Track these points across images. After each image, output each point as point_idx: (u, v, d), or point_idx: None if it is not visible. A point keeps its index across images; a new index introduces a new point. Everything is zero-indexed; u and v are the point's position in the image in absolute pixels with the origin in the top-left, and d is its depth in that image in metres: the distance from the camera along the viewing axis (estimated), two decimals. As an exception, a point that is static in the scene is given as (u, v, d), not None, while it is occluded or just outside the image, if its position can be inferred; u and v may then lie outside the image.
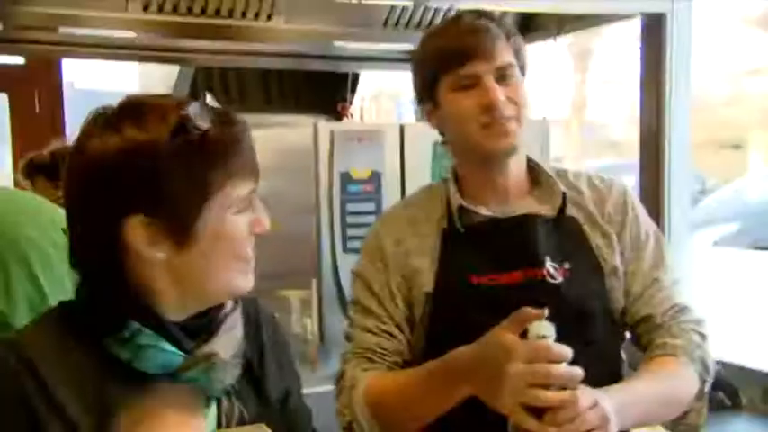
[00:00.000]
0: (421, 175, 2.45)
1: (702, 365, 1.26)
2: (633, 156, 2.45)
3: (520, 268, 1.27)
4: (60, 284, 1.81)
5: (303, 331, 2.43)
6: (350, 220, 2.41)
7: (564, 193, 1.31)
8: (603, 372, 1.26)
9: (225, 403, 0.97)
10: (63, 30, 2.70)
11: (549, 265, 1.26)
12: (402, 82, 4.16)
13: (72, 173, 0.93)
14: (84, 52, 3.07)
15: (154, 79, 3.46)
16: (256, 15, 2.50)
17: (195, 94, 3.44)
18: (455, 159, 1.37)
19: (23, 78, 4.18)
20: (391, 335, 1.30)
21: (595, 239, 1.31)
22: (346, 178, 2.40)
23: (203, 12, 2.44)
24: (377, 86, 3.99)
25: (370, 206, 2.43)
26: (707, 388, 1.27)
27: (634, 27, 2.48)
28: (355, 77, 3.66)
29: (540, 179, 1.34)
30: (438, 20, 2.65)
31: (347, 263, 2.40)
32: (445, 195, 1.34)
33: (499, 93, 1.24)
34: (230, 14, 2.47)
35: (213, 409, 0.96)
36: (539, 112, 2.89)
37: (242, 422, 0.97)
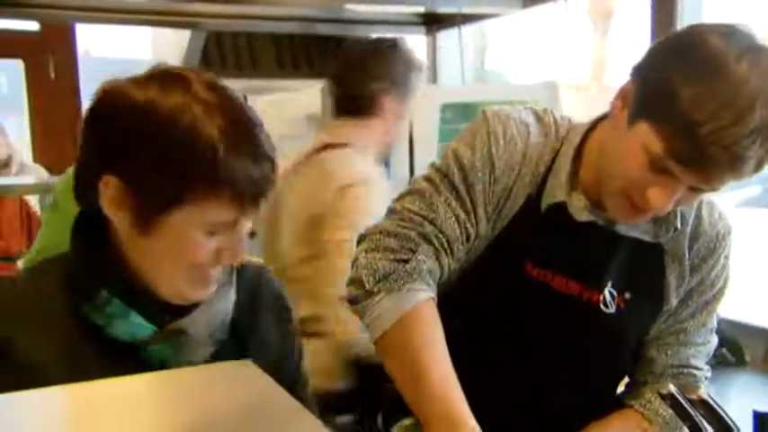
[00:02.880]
0: (430, 140, 2.44)
1: None
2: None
3: (579, 280, 1.17)
4: None
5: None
6: (360, 184, 2.41)
7: (675, 229, 1.17)
8: (603, 390, 1.27)
9: None
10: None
11: (608, 290, 1.18)
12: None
13: (90, 111, 0.90)
14: (97, 17, 3.09)
15: (165, 46, 3.47)
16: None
17: (206, 60, 3.45)
18: (587, 154, 1.14)
19: (38, 45, 4.18)
20: (468, 239, 1.15)
21: (670, 276, 1.21)
22: (356, 142, 2.39)
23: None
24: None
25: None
26: None
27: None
28: (366, 41, 3.64)
29: None
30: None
31: (357, 226, 2.41)
32: (550, 159, 1.16)
33: (672, 203, 1.05)
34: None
35: None
36: (551, 75, 2.88)
37: None
